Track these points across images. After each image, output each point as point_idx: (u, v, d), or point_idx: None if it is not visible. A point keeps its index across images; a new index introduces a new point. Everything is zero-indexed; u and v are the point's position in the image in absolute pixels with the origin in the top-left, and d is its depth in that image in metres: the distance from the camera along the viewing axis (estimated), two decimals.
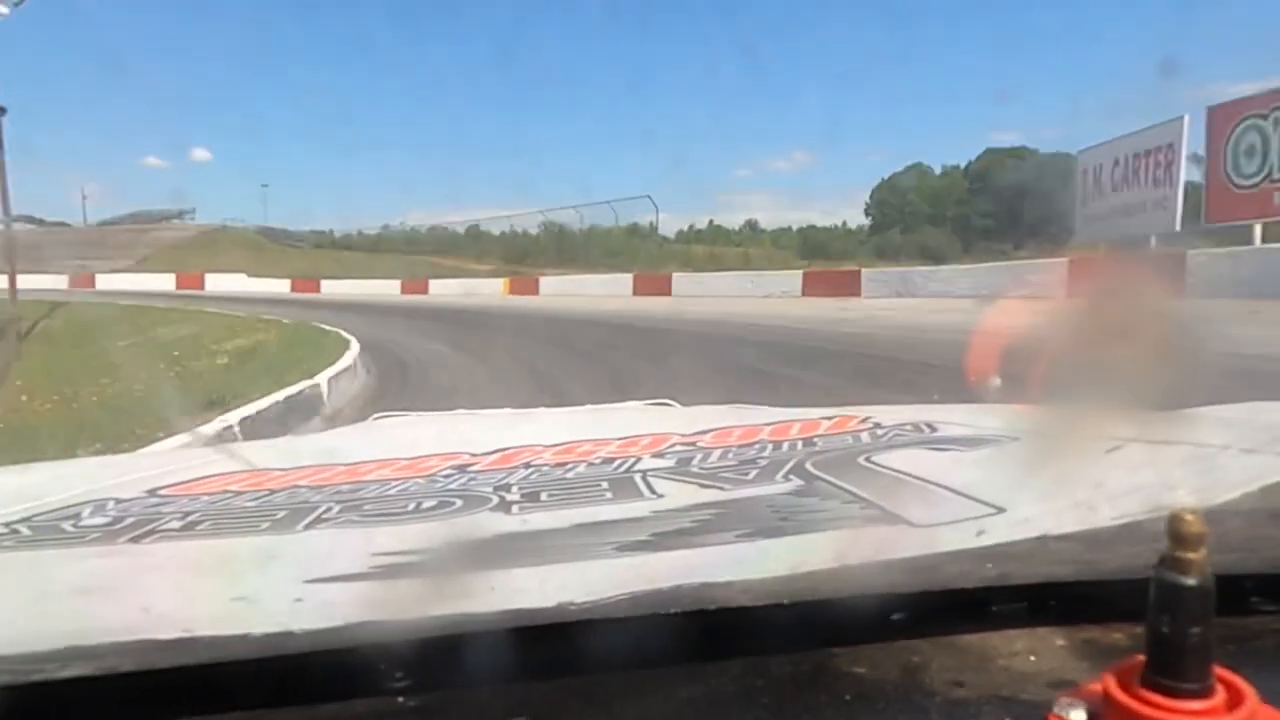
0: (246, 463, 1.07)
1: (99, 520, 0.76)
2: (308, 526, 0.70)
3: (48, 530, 0.74)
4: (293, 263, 41.26)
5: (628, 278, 26.18)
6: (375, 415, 1.75)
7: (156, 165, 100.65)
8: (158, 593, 0.58)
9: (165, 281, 37.61)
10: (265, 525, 0.72)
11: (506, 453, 1.02)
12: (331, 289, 33.73)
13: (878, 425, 1.03)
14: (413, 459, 1.01)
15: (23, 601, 0.56)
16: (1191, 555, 0.30)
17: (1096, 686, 0.33)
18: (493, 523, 0.69)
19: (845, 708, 0.39)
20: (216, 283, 36.60)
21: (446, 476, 0.90)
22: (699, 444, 1.00)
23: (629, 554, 0.58)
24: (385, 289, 32.48)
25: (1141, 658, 0.31)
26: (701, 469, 0.86)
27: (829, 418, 1.11)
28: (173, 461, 1.11)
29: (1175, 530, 0.30)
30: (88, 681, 0.37)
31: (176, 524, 0.73)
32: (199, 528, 0.72)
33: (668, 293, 23.56)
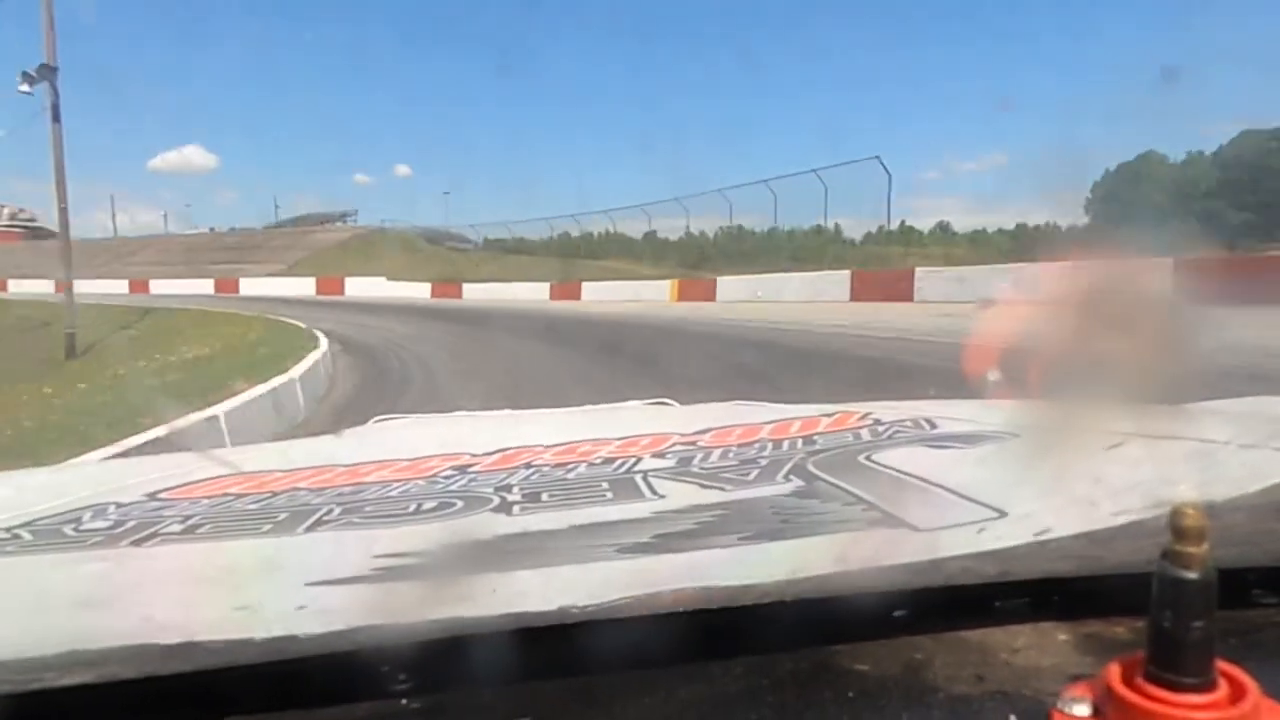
0: (247, 466, 1.07)
1: (100, 524, 0.76)
2: (309, 529, 0.70)
3: (48, 535, 0.74)
4: (449, 265, 37.89)
5: (839, 276, 19.60)
6: (375, 418, 1.75)
7: (364, 182, 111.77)
8: (159, 598, 0.58)
9: (306, 286, 36.31)
10: (266, 528, 0.72)
11: (507, 453, 1.02)
12: (472, 293, 30.67)
13: (878, 422, 1.03)
14: (413, 460, 1.01)
15: (23, 607, 0.56)
16: (1193, 550, 0.30)
17: (1099, 681, 0.33)
18: (494, 524, 0.69)
19: (849, 705, 0.39)
20: (355, 287, 35.02)
21: (447, 477, 0.90)
22: (699, 443, 1.00)
23: (631, 556, 0.58)
24: (531, 293, 28.48)
25: (1144, 652, 0.31)
26: (702, 469, 0.86)
27: (829, 415, 1.11)
28: (173, 465, 1.11)
29: (1177, 525, 0.30)
30: (89, 689, 0.37)
31: (177, 527, 0.73)
32: (200, 531, 0.72)
33: (908, 296, 17.07)
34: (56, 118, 12.67)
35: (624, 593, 0.45)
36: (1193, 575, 0.30)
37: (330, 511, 0.76)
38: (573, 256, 35.26)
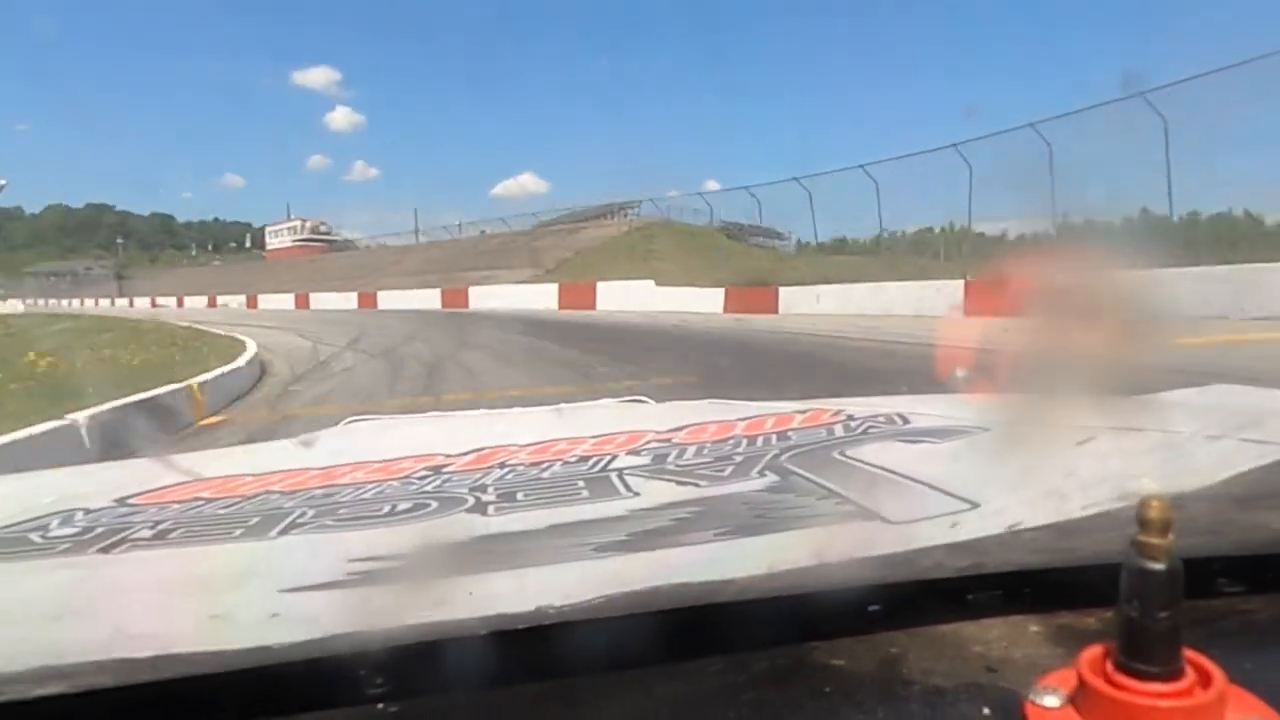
0: (218, 470, 1.05)
1: (67, 531, 0.75)
2: (281, 532, 0.69)
3: (15, 543, 0.72)
4: (752, 265, 26.12)
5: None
6: (348, 419, 1.73)
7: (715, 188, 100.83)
8: (130, 606, 0.57)
9: (544, 297, 26.03)
10: (238, 532, 0.71)
11: (481, 453, 1.02)
12: (791, 300, 17.96)
13: (850, 418, 1.03)
14: (387, 461, 1.00)
15: None
16: (1158, 541, 0.31)
17: (1070, 672, 0.33)
18: (469, 524, 0.69)
19: (825, 700, 0.39)
20: (613, 296, 23.82)
21: (421, 478, 0.89)
22: (674, 440, 1.00)
23: (607, 555, 0.58)
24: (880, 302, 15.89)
25: (1113, 642, 0.32)
26: (677, 466, 0.86)
27: (802, 411, 1.12)
28: (143, 470, 1.09)
29: (1143, 517, 0.31)
30: (61, 700, 0.37)
31: (147, 533, 0.72)
32: (170, 537, 0.71)
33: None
34: None
35: (600, 592, 0.44)
36: (1159, 566, 0.30)
37: (303, 515, 0.75)
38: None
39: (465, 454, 1.01)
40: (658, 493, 0.75)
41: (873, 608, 0.45)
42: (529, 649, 0.41)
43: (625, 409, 1.72)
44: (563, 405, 1.60)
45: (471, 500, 0.77)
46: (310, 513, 0.75)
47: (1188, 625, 0.31)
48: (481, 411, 1.83)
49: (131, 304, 47.84)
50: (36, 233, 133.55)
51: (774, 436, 0.97)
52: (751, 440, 0.96)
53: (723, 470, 0.81)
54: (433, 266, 38.31)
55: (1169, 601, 0.30)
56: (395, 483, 0.88)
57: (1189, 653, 0.32)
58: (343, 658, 0.40)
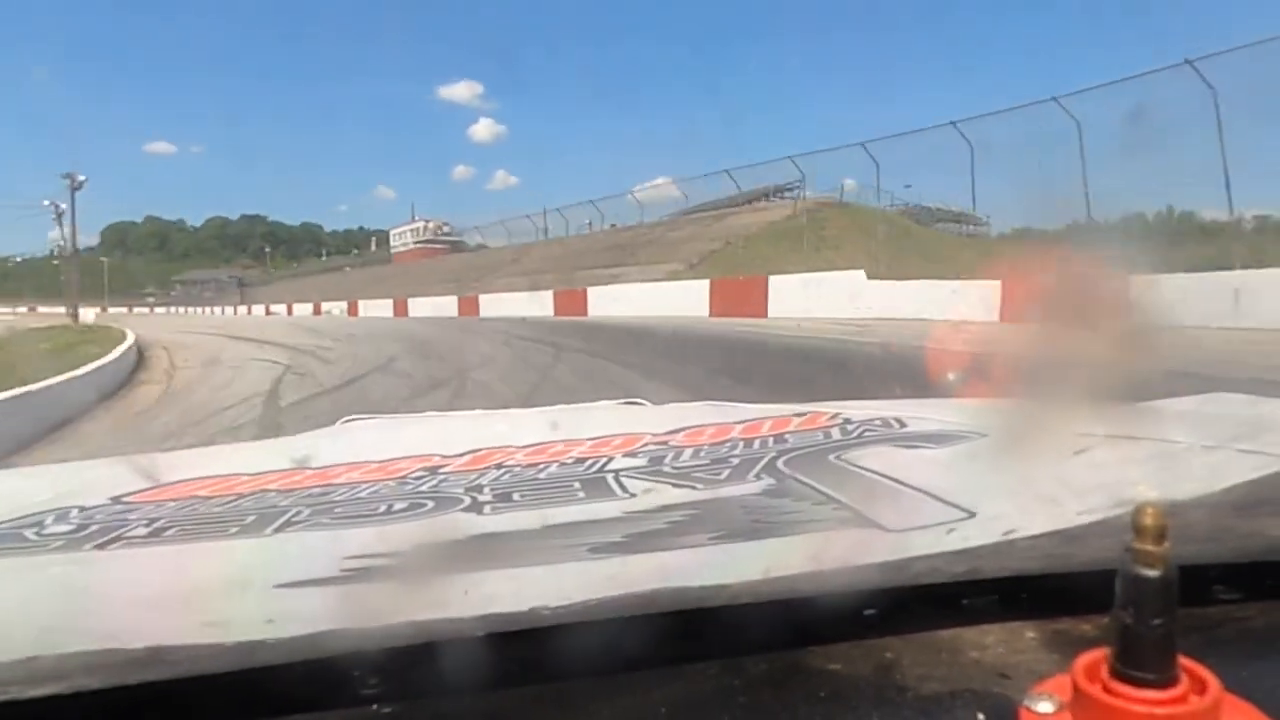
0: (213, 468, 1.05)
1: (62, 528, 0.74)
2: (277, 530, 0.69)
3: (10, 539, 0.72)
4: (955, 251, 19.56)
5: None
6: (344, 419, 1.73)
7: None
8: (124, 604, 0.57)
9: (692, 298, 18.95)
10: (234, 530, 0.71)
11: (478, 454, 1.02)
12: None
13: (848, 421, 1.03)
14: (383, 461, 1.00)
15: None
16: (1154, 548, 0.30)
17: (1065, 678, 0.33)
18: (465, 524, 0.69)
19: (820, 705, 0.39)
20: (787, 296, 17.00)
21: (418, 478, 0.89)
22: (671, 443, 1.00)
23: (602, 556, 0.58)
24: None
25: (1109, 649, 0.32)
26: (674, 468, 0.86)
27: (800, 414, 1.12)
28: (138, 467, 1.09)
29: (1139, 524, 0.31)
30: (54, 701, 0.36)
31: (143, 531, 0.72)
32: (166, 534, 0.71)
33: None
34: None
35: (596, 594, 0.44)
36: (1154, 573, 0.30)
37: (299, 513, 0.75)
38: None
39: (462, 455, 1.01)
40: (654, 495, 0.75)
41: (869, 612, 0.45)
42: (524, 650, 0.41)
43: (622, 411, 1.72)
44: (559, 407, 1.60)
45: (467, 500, 0.76)
46: (306, 511, 0.75)
47: (1183, 632, 0.31)
48: (478, 413, 1.83)
49: (249, 311, 49.41)
50: (196, 243, 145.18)
51: (771, 439, 0.97)
52: (748, 443, 0.96)
53: (719, 473, 0.81)
54: (551, 265, 31.47)
55: (1164, 609, 0.30)
56: (391, 482, 0.88)
57: (1184, 660, 0.32)
58: (337, 657, 0.40)
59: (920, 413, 1.07)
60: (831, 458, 0.85)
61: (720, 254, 24.69)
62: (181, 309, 66.32)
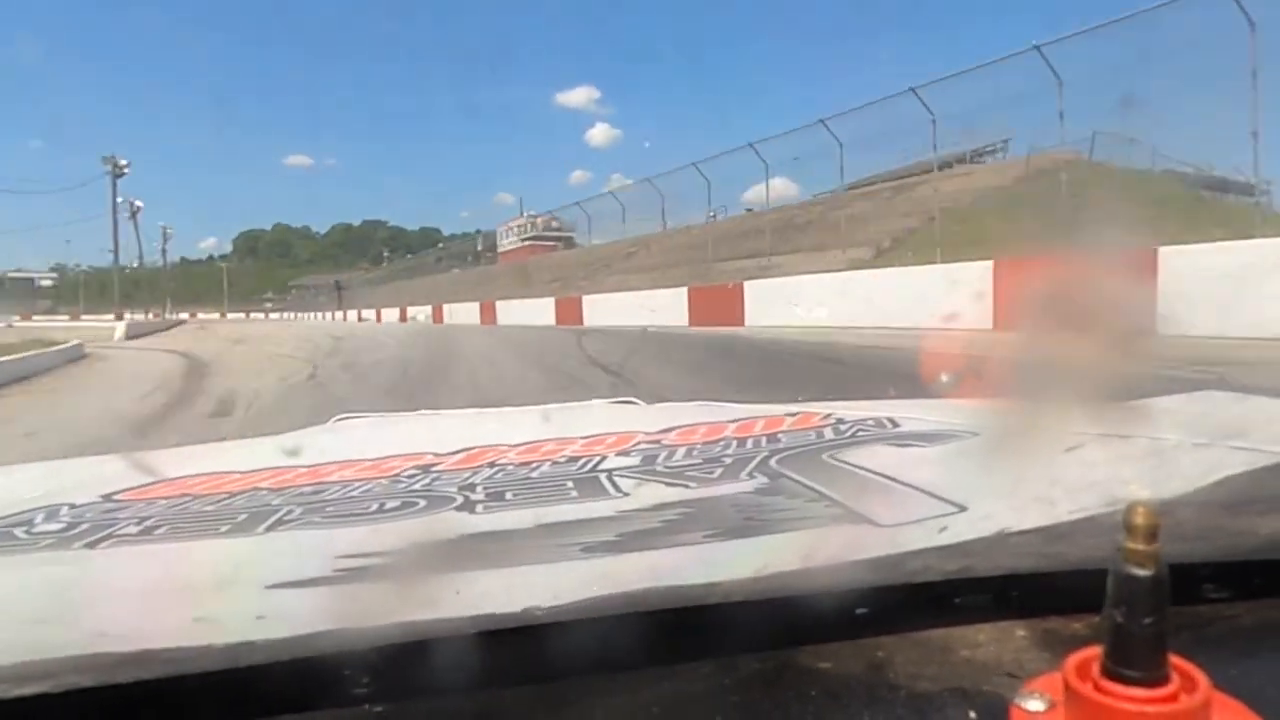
0: (205, 466, 1.04)
1: (53, 526, 0.74)
2: (268, 529, 0.69)
3: None
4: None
5: None
6: (337, 416, 1.72)
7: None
8: (115, 602, 0.57)
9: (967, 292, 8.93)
10: (225, 529, 0.70)
11: (471, 452, 1.01)
12: None
13: (840, 421, 1.04)
14: (375, 460, 0.99)
15: None
16: (1144, 547, 0.31)
17: (1057, 677, 0.33)
18: (457, 523, 0.69)
19: (812, 703, 0.39)
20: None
21: (410, 477, 0.89)
22: (664, 442, 1.00)
23: (595, 555, 0.57)
24: None
25: (1100, 648, 0.32)
26: (667, 467, 0.86)
27: (792, 414, 1.12)
28: (129, 465, 1.08)
29: (1130, 523, 0.31)
30: (43, 699, 0.36)
31: (133, 529, 0.71)
32: (157, 533, 0.71)
33: None
34: None
35: (589, 593, 0.44)
36: (1145, 572, 0.30)
37: (291, 512, 0.74)
38: None
39: (454, 453, 1.01)
40: (647, 494, 0.75)
41: (860, 611, 0.45)
42: (516, 650, 0.41)
43: (615, 410, 1.72)
44: (552, 406, 1.60)
45: (460, 499, 0.76)
46: (298, 510, 0.75)
47: (1174, 631, 0.31)
48: (471, 411, 1.83)
49: (345, 316, 49.94)
50: (320, 249, 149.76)
51: (763, 439, 0.97)
52: (741, 442, 0.96)
53: (712, 472, 0.81)
54: (676, 258, 24.77)
55: (1155, 607, 0.30)
56: (384, 481, 0.87)
57: (1175, 658, 0.32)
58: (328, 657, 0.40)
59: (912, 412, 1.07)
60: (824, 456, 0.85)
61: (920, 233, 17.55)
62: (291, 314, 70.02)
